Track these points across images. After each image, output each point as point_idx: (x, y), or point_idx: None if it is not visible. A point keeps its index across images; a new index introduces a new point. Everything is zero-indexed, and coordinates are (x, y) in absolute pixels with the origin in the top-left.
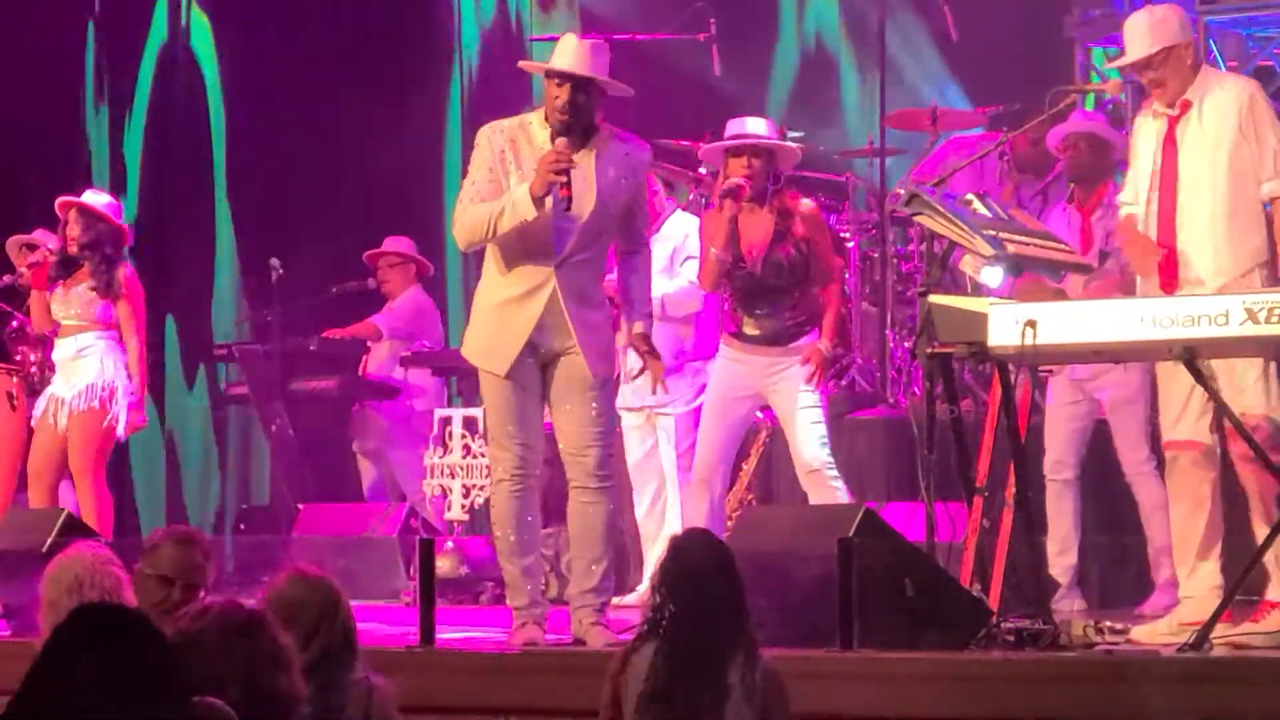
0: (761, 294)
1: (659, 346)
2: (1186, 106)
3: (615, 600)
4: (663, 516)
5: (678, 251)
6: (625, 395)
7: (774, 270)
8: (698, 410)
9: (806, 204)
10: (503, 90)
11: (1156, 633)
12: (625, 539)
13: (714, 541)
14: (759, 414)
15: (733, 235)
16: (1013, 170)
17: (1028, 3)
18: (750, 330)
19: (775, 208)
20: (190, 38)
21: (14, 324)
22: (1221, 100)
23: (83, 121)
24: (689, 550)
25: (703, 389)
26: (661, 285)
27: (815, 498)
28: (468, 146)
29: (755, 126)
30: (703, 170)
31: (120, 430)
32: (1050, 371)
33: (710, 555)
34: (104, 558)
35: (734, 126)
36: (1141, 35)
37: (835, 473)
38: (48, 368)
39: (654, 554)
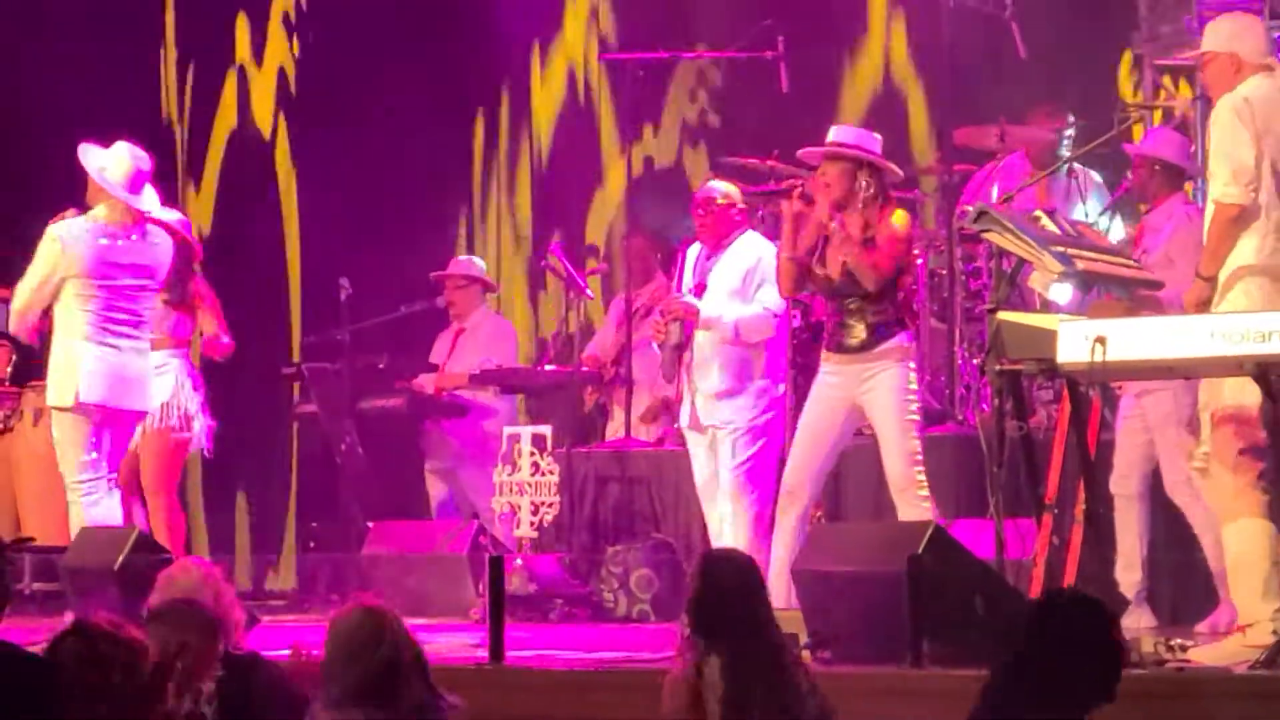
0: (845, 302)
1: (727, 368)
2: None
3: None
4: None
5: (750, 274)
6: (687, 416)
7: (852, 279)
8: (756, 429)
9: (895, 215)
10: (569, 120)
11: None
12: (682, 560)
13: (742, 555)
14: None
15: (794, 236)
16: (1035, 168)
17: (1095, 19)
18: (839, 340)
19: (865, 218)
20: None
21: None
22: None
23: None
24: (721, 565)
25: (765, 409)
26: (735, 309)
27: (903, 515)
28: (534, 170)
29: (843, 135)
30: (772, 184)
31: (203, 445)
32: (1120, 387)
33: (740, 569)
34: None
35: (833, 133)
36: (1204, 36)
37: (925, 492)
38: None
39: None
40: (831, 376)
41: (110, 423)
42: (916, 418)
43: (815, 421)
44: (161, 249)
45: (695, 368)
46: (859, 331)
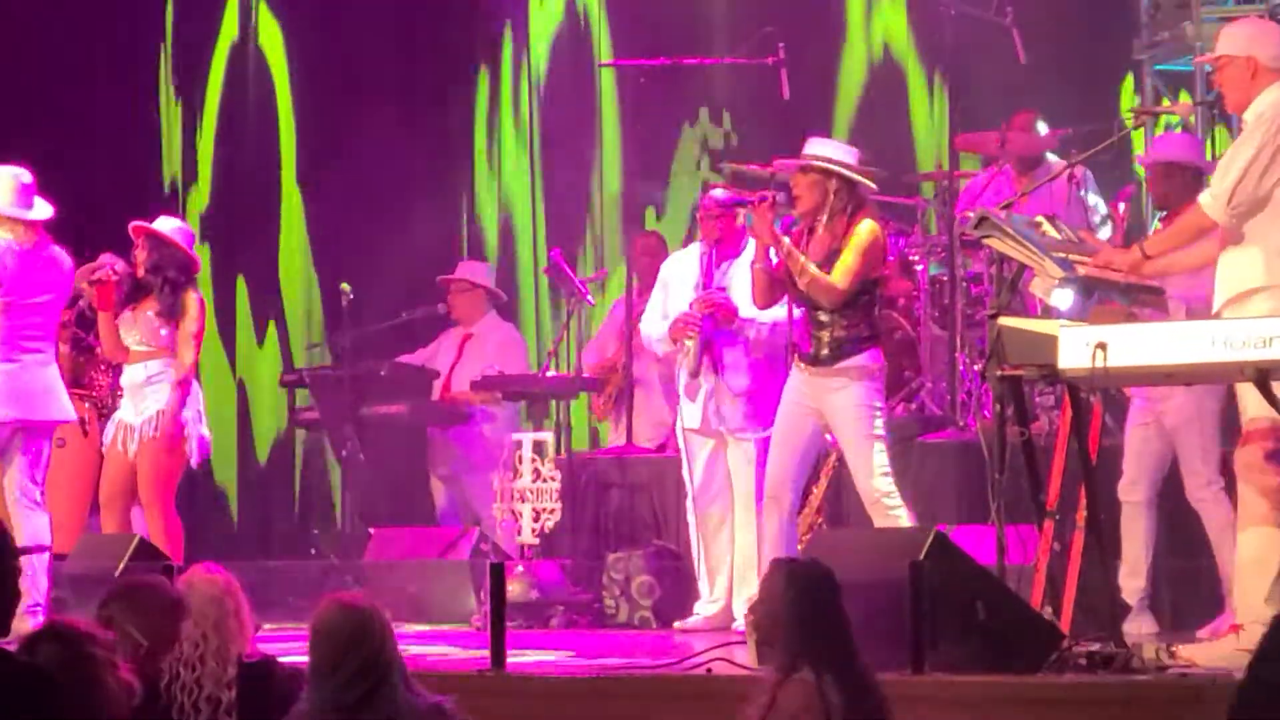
0: (815, 313)
1: (754, 369)
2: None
3: (677, 624)
4: (729, 541)
5: None
6: (694, 416)
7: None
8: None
9: (859, 227)
10: (573, 123)
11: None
12: (684, 564)
13: (823, 566)
14: (828, 436)
15: (764, 247)
16: (1015, 173)
17: (1096, 26)
18: (807, 349)
19: (837, 230)
20: (260, 62)
21: (87, 347)
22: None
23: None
24: (809, 577)
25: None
26: (767, 311)
27: (878, 525)
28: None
29: (815, 147)
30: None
31: (194, 458)
32: (1130, 392)
33: (829, 580)
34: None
35: (807, 145)
36: (1219, 40)
37: (896, 502)
38: (118, 393)
39: (721, 579)
40: (798, 383)
41: (20, 435)
42: (881, 432)
43: (786, 427)
44: (64, 264)
45: (723, 368)
46: (825, 345)
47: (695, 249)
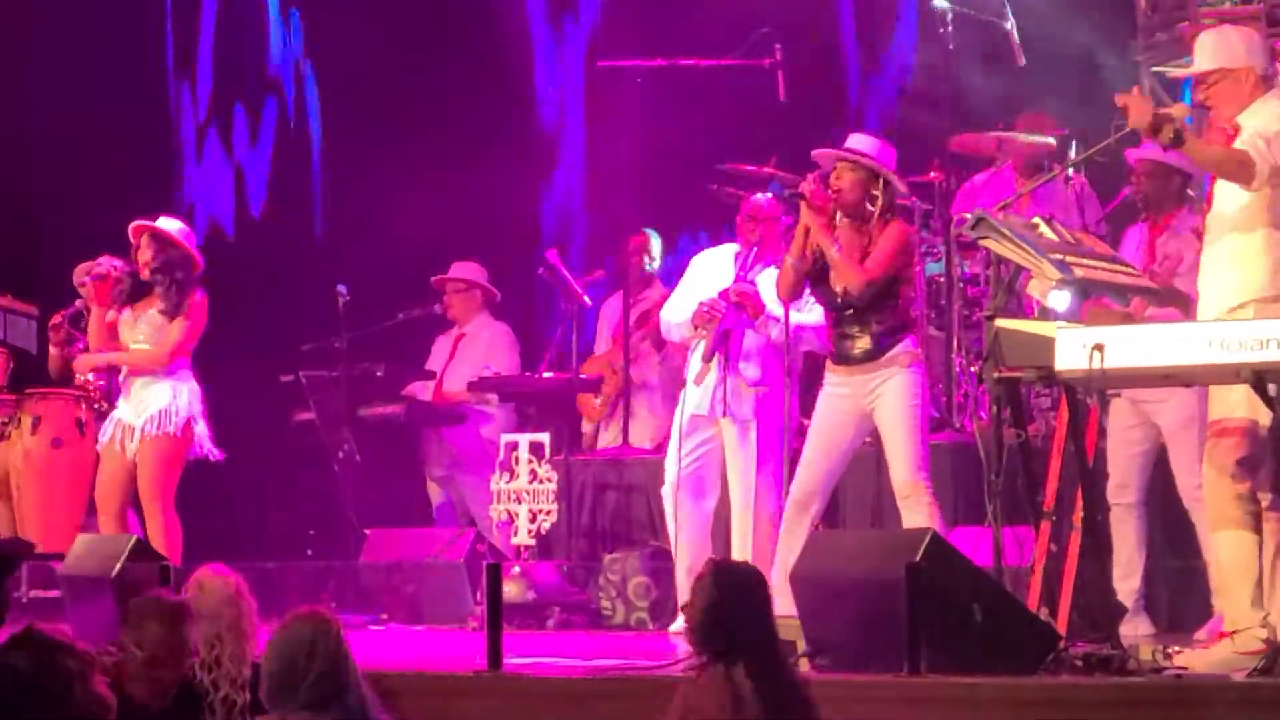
0: (849, 314)
1: (765, 364)
2: (1238, 130)
3: (673, 628)
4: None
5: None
6: (700, 402)
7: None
8: (776, 430)
9: (895, 226)
10: (573, 121)
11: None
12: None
13: (753, 569)
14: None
15: (803, 245)
16: (1019, 174)
17: (1094, 27)
18: (843, 351)
19: (871, 231)
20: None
21: (80, 346)
22: (1249, 126)
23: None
24: (735, 578)
25: (780, 411)
26: (795, 315)
27: (907, 520)
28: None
29: (862, 143)
30: (768, 195)
31: (206, 449)
32: (1116, 393)
33: (756, 582)
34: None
35: (851, 140)
36: (1205, 52)
37: (928, 497)
38: (113, 392)
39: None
40: (840, 388)
41: None
42: (921, 423)
43: (826, 434)
44: None
45: (740, 358)
46: (863, 342)
47: (729, 248)
